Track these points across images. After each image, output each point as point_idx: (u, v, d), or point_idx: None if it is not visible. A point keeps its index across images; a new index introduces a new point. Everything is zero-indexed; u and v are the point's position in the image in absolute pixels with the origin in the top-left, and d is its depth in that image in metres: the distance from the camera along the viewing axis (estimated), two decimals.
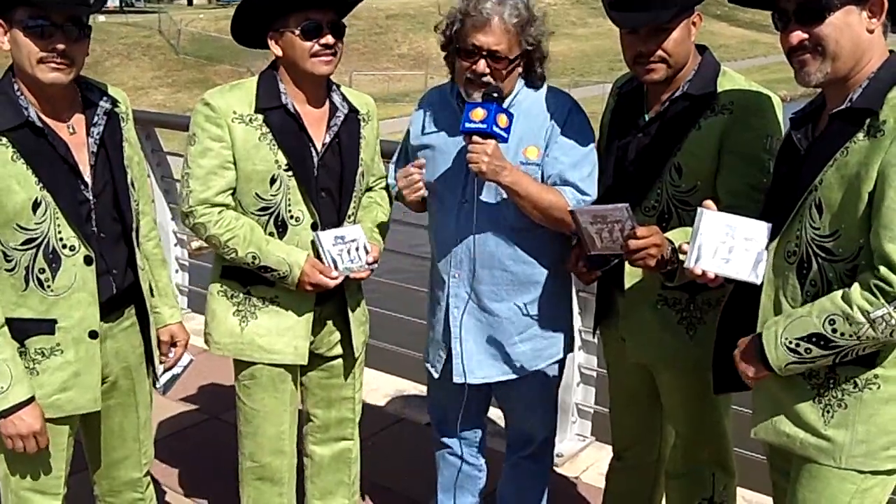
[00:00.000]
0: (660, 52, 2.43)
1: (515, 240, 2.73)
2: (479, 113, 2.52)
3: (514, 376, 2.85)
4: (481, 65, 2.59)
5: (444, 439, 3.12)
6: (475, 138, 2.53)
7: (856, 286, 1.90)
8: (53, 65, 2.26)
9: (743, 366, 2.13)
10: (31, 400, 2.33)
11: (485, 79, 2.59)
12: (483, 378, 2.83)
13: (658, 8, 2.37)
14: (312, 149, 2.70)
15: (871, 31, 1.96)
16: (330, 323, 2.89)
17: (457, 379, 2.83)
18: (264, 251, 2.66)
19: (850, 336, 1.92)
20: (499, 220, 2.71)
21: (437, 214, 2.81)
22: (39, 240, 2.31)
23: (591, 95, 31.79)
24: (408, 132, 2.91)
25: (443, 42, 2.69)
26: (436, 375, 2.92)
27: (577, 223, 2.33)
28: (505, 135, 2.55)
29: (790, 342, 1.99)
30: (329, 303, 2.84)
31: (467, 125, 2.54)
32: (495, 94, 2.55)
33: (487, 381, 2.85)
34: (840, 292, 1.93)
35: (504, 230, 2.72)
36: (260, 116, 2.65)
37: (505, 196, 2.64)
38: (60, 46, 2.25)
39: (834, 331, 1.93)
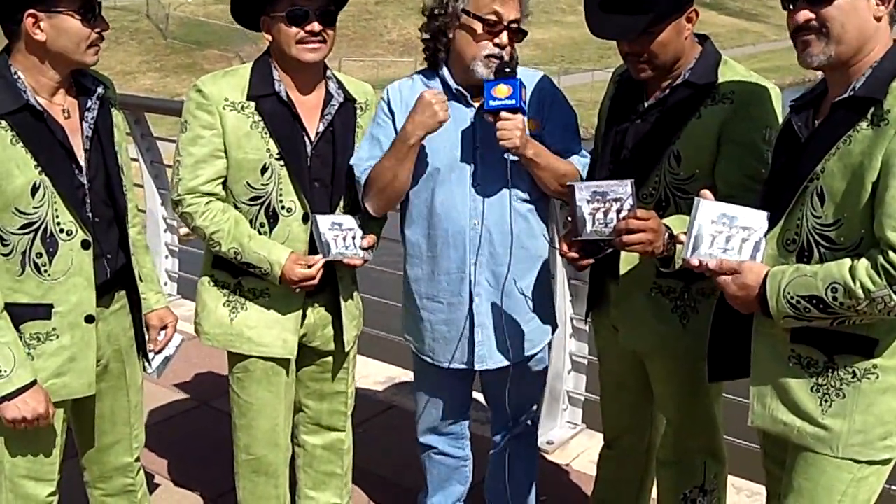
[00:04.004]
0: (645, 54, 2.42)
1: (527, 214, 2.74)
2: (503, 90, 2.49)
3: (526, 355, 2.85)
4: (505, 37, 2.58)
5: (431, 439, 3.08)
6: (504, 114, 2.50)
7: (863, 262, 1.90)
8: (97, 48, 2.37)
9: (734, 289, 2.08)
10: (34, 383, 2.34)
11: (502, 52, 2.57)
12: (500, 362, 2.81)
13: (635, 13, 2.35)
14: (306, 138, 2.68)
15: (878, 19, 1.96)
16: (323, 316, 2.87)
17: (479, 366, 2.82)
18: (246, 248, 2.64)
19: (848, 308, 1.93)
20: (512, 197, 2.69)
21: (441, 206, 2.71)
22: (37, 224, 2.31)
23: (580, 83, 31.80)
24: (387, 123, 2.74)
25: (438, 13, 2.61)
26: (446, 366, 2.85)
27: (573, 200, 2.29)
28: (527, 108, 2.56)
29: (792, 297, 1.99)
30: (322, 294, 2.83)
31: (492, 103, 2.50)
32: (507, 70, 2.53)
33: (502, 366, 2.82)
34: (848, 262, 1.93)
35: (517, 206, 2.71)
36: (252, 104, 2.63)
37: (512, 171, 2.62)
38: (101, 29, 2.37)
39: (834, 299, 1.93)
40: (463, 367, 2.84)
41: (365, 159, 2.72)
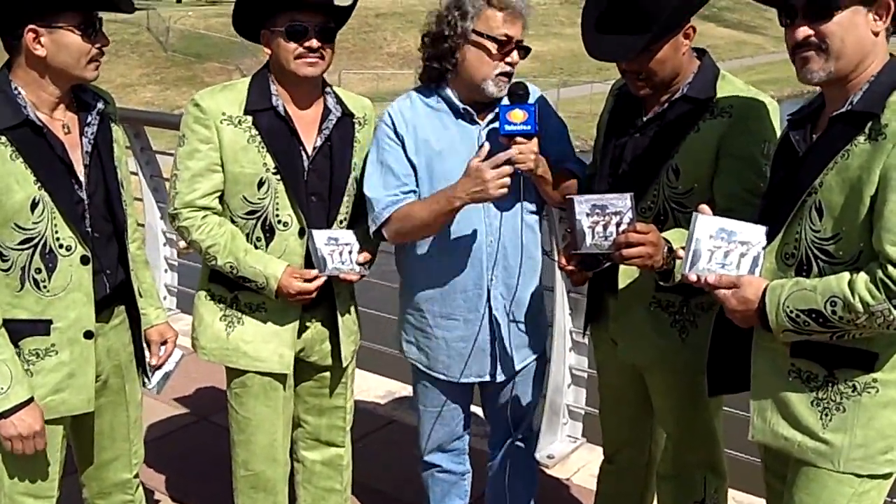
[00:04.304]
0: (643, 72, 2.44)
1: (533, 225, 2.80)
2: (518, 115, 2.54)
3: (530, 361, 2.91)
4: (515, 55, 2.62)
5: (435, 458, 3.07)
6: (519, 139, 2.54)
7: (863, 276, 1.90)
8: (97, 63, 2.36)
9: (734, 303, 2.08)
10: (31, 400, 2.33)
11: (512, 69, 2.63)
12: (512, 370, 2.86)
13: (633, 32, 2.36)
14: (303, 152, 2.68)
15: (876, 34, 1.96)
16: (320, 331, 2.86)
17: (498, 377, 2.86)
18: (241, 262, 2.64)
19: (848, 322, 1.93)
20: (520, 210, 2.73)
21: (456, 225, 2.70)
22: (36, 240, 2.31)
23: (579, 95, 31.88)
24: (396, 148, 2.71)
25: (448, 34, 2.60)
26: (461, 380, 2.86)
27: (572, 213, 2.30)
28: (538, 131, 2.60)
29: (791, 311, 1.99)
30: (319, 309, 2.82)
31: (508, 128, 2.54)
32: (521, 93, 2.58)
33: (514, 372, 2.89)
34: (847, 276, 1.93)
35: (526, 218, 2.75)
36: (249, 118, 2.63)
37: (524, 186, 2.67)
38: (101, 45, 2.36)
39: (833, 312, 1.93)
40: (478, 379, 2.87)
41: (384, 193, 2.69)
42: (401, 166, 2.70)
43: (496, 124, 2.62)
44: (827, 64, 1.97)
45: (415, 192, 2.71)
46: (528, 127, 2.54)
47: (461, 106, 2.69)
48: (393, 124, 2.71)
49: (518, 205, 2.72)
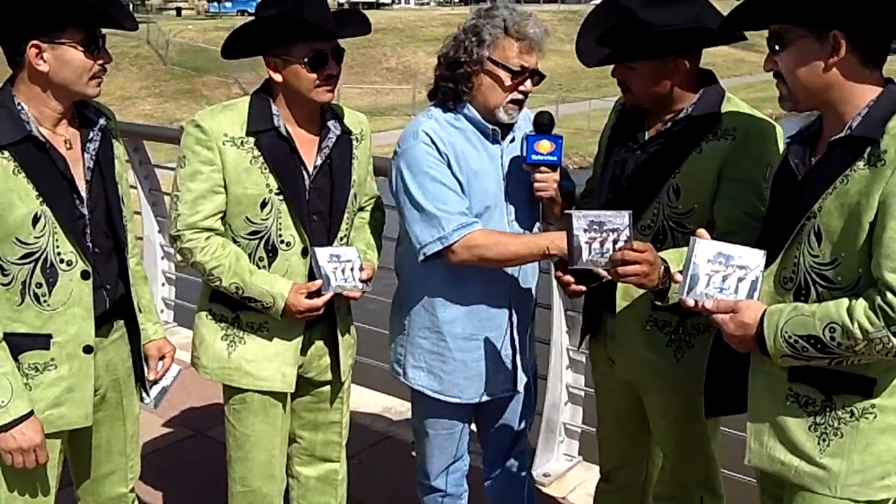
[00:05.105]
0: (623, 81, 2.51)
1: None
2: (545, 145, 2.62)
3: (530, 376, 2.95)
4: (529, 83, 2.66)
5: (440, 482, 3.04)
6: (543, 168, 2.63)
7: (861, 302, 1.90)
8: (99, 79, 2.37)
9: (732, 327, 2.07)
10: (31, 414, 2.33)
11: (525, 98, 2.69)
12: (517, 387, 2.90)
13: (613, 44, 2.45)
14: (304, 172, 2.68)
15: (829, 67, 1.95)
16: (319, 347, 2.87)
17: (515, 393, 2.92)
18: (248, 283, 2.64)
19: (846, 348, 1.93)
20: (534, 225, 2.81)
21: None
22: (38, 254, 2.31)
23: (577, 111, 31.94)
24: (444, 167, 2.65)
25: (465, 61, 2.61)
26: (476, 401, 2.87)
27: (570, 228, 2.29)
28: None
29: (790, 337, 1.99)
30: (319, 326, 2.83)
31: (534, 157, 2.62)
32: (546, 123, 2.64)
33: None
34: (846, 302, 1.93)
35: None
36: (251, 139, 2.62)
37: (531, 202, 2.74)
38: (103, 62, 2.37)
39: (832, 339, 1.93)
40: (491, 398, 2.88)
41: (453, 212, 2.62)
42: (455, 185, 2.66)
43: (515, 145, 2.72)
44: (789, 94, 2.03)
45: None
46: (555, 158, 2.62)
47: (490, 126, 2.70)
48: (434, 143, 2.65)
49: (537, 225, 2.79)
